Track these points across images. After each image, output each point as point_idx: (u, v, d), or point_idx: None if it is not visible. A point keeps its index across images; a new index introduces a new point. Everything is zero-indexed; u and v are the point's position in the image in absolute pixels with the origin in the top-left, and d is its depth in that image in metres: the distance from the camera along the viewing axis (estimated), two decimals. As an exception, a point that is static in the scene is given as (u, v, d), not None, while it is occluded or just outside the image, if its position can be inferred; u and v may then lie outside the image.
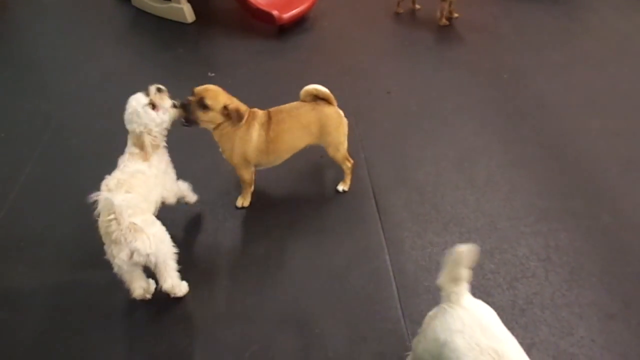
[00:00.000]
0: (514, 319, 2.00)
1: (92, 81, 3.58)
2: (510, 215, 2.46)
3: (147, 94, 2.04)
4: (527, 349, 1.52)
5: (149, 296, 2.04)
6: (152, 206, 2.01)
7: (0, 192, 2.65)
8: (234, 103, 2.22)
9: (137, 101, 2.01)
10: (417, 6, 4.29)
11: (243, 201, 2.52)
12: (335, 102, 2.37)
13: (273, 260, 2.29)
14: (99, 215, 1.77)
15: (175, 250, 1.98)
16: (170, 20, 4.23)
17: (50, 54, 3.99)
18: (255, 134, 2.27)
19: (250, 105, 2.38)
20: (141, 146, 2.01)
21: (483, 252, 2.29)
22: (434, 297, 2.10)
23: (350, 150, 2.86)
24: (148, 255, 1.83)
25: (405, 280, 2.17)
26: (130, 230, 1.75)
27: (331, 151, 2.46)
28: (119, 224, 1.72)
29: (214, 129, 2.26)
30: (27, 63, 3.86)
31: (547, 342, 1.93)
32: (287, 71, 3.59)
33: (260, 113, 2.31)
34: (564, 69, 3.51)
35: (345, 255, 2.29)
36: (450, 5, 3.97)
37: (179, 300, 2.09)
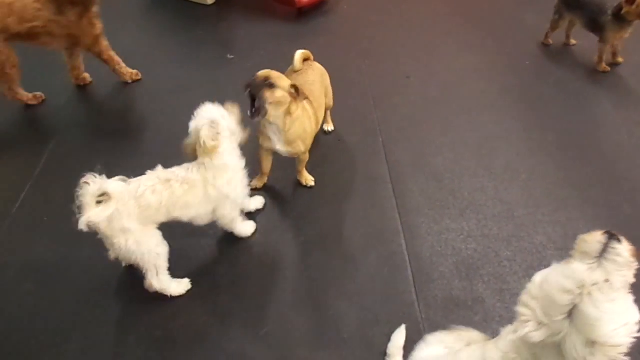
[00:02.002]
0: (529, 307, 1.99)
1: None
2: (529, 204, 2.44)
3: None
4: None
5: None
6: (156, 219, 1.92)
7: (27, 169, 2.72)
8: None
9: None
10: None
11: (308, 179, 2.58)
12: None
13: (289, 242, 2.31)
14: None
15: (162, 260, 1.95)
16: (190, 2, 4.23)
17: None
18: (309, 108, 2.32)
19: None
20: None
21: (500, 240, 2.29)
22: (449, 283, 2.11)
23: (368, 134, 2.87)
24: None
25: (421, 265, 2.18)
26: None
27: (328, 100, 2.66)
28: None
29: (286, 114, 2.18)
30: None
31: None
32: (306, 54, 3.56)
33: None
34: (589, 55, 3.42)
35: (361, 239, 2.30)
36: (612, 48, 3.32)
37: (196, 278, 2.13)
